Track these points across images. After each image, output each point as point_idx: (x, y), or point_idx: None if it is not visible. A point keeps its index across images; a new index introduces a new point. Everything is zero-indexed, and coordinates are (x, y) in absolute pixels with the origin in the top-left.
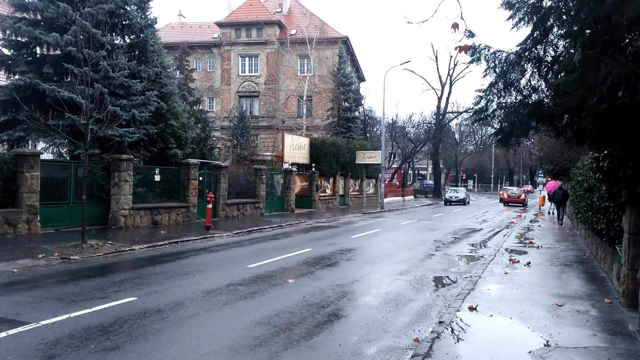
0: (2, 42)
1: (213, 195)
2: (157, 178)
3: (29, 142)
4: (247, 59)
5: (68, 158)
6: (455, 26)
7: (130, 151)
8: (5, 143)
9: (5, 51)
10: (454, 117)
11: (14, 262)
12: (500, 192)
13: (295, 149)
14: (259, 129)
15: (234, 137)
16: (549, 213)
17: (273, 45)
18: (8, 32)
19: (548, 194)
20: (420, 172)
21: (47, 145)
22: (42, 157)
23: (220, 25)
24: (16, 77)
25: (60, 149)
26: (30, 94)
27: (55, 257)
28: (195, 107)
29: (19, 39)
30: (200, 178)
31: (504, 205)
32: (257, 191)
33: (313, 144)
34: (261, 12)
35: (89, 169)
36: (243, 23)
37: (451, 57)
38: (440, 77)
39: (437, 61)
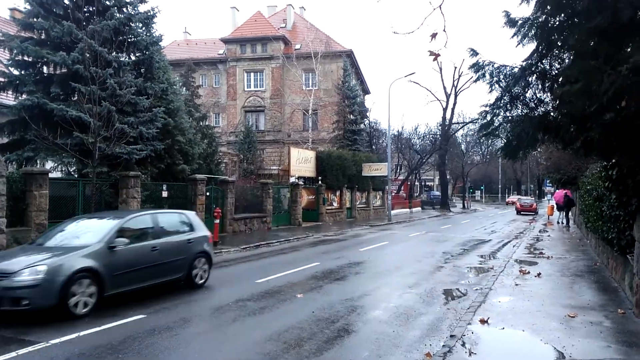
0: (10, 62)
1: (220, 211)
2: (165, 194)
3: (38, 161)
4: (252, 74)
5: (76, 176)
6: (433, 35)
7: (137, 168)
8: (14, 162)
9: (13, 71)
10: (460, 128)
11: None
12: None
13: (302, 162)
14: (265, 143)
15: (240, 151)
16: (558, 222)
17: (278, 60)
18: (15, 51)
19: (557, 204)
20: (427, 183)
21: (56, 164)
22: (51, 175)
23: (226, 41)
24: (24, 96)
25: (69, 167)
26: (38, 113)
27: None
28: (201, 123)
29: (26, 58)
30: (207, 193)
31: (517, 213)
32: (264, 205)
33: (319, 157)
34: (266, 28)
35: (97, 187)
36: (248, 39)
37: (455, 68)
38: (445, 88)
39: (441, 72)
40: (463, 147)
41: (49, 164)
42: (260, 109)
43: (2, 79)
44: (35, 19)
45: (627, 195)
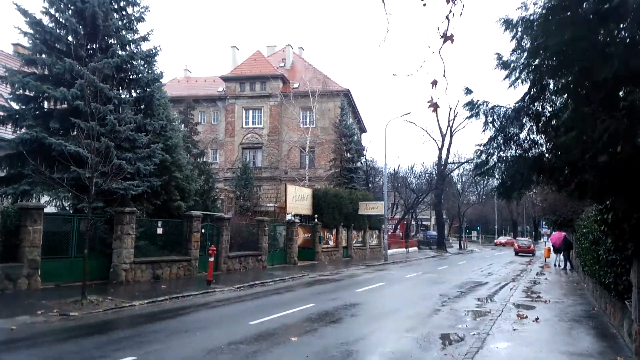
0: (11, 96)
1: (215, 248)
2: (160, 231)
3: (34, 195)
4: (250, 111)
5: (71, 211)
6: (434, 83)
7: (133, 204)
8: (10, 197)
9: (14, 105)
10: (456, 168)
11: (12, 319)
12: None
13: (298, 200)
14: (262, 180)
15: (237, 188)
16: (555, 265)
17: (276, 98)
18: (17, 86)
19: (553, 246)
20: (424, 222)
21: (51, 199)
22: (45, 210)
23: (225, 79)
24: (23, 130)
25: (64, 202)
26: (37, 148)
27: (55, 313)
28: (199, 159)
29: (27, 93)
30: (203, 230)
31: (515, 254)
32: (260, 243)
33: (316, 195)
34: (265, 67)
35: (92, 223)
36: (247, 77)
37: (450, 108)
38: (440, 128)
39: (436, 113)
40: (459, 186)
41: (45, 199)
42: (258, 146)
43: (2, 113)
44: (38, 55)
45: (623, 239)
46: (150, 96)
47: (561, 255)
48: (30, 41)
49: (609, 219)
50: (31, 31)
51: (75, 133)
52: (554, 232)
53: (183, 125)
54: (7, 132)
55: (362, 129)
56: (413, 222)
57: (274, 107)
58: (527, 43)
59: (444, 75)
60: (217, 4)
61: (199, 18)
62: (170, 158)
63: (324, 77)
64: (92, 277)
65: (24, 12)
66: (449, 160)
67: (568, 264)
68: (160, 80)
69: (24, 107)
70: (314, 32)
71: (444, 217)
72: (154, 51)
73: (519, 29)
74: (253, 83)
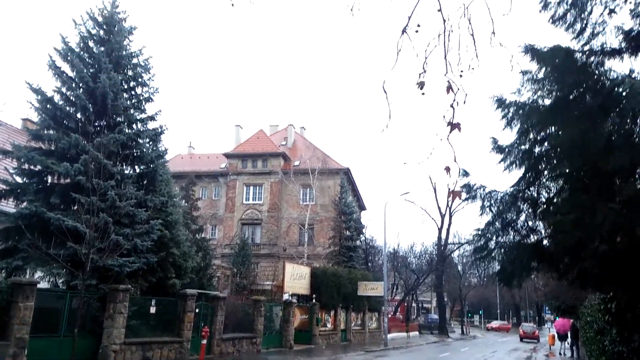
0: (15, 170)
1: (208, 330)
2: (153, 310)
3: (27, 270)
4: (251, 187)
5: (64, 287)
6: (447, 169)
7: (128, 281)
8: (2, 271)
9: (18, 179)
10: (456, 249)
11: None
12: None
13: (296, 278)
14: (260, 257)
15: (234, 265)
16: (560, 354)
17: (277, 175)
18: (22, 160)
19: (557, 333)
20: (424, 305)
21: (44, 275)
22: (38, 286)
23: (228, 156)
24: (24, 204)
25: (57, 279)
26: (35, 222)
27: None
28: (197, 236)
29: (32, 167)
30: (197, 310)
31: (520, 340)
32: (255, 324)
33: (314, 274)
34: (267, 145)
35: (85, 300)
36: (250, 154)
37: (449, 189)
38: (439, 208)
39: (435, 193)
40: (460, 268)
41: (38, 274)
42: (257, 222)
43: (4, 187)
44: (45, 131)
45: (628, 330)
46: (153, 172)
47: (566, 342)
48: (40, 116)
49: (613, 309)
50: (41, 107)
51: (75, 207)
52: (557, 319)
53: (184, 201)
54: (9, 206)
55: (362, 207)
56: (414, 304)
57: (275, 184)
58: (517, 124)
59: (455, 160)
60: (224, 84)
61: (206, 97)
62: (169, 234)
63: (323, 155)
64: (80, 357)
65: (36, 91)
66: (449, 241)
67: (575, 352)
68: (164, 157)
69: (27, 181)
70: (315, 112)
71: (445, 299)
72: (160, 130)
73: (511, 110)
74: (255, 160)
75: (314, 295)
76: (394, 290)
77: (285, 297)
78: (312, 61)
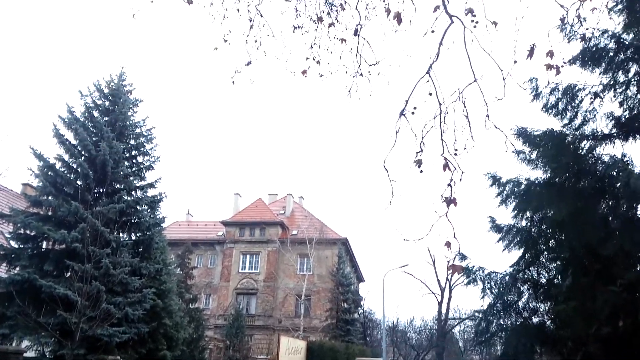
0: (11, 234)
1: None
2: None
3: (14, 339)
4: (248, 256)
5: (52, 357)
6: (448, 244)
7: (117, 351)
8: None
9: (13, 244)
10: (457, 324)
11: None
12: None
13: (291, 353)
14: (254, 328)
15: (227, 337)
16: None
17: (274, 244)
18: (19, 225)
19: None
20: None
21: (32, 344)
22: (25, 355)
23: (226, 224)
24: (17, 270)
25: (45, 348)
26: (27, 288)
27: None
28: (191, 305)
29: (28, 232)
30: None
31: None
32: None
33: (310, 348)
34: (265, 214)
35: None
36: (247, 223)
37: (448, 262)
38: (439, 281)
39: (434, 266)
40: (461, 344)
41: (25, 343)
42: (253, 292)
43: None
44: (45, 197)
45: None
46: (150, 240)
47: None
48: (40, 182)
49: None
50: (42, 173)
51: (69, 274)
52: None
53: (179, 269)
54: (1, 271)
55: (360, 279)
56: None
57: (272, 253)
58: (512, 202)
59: (455, 237)
60: (223, 153)
61: (205, 165)
62: (161, 303)
63: (321, 224)
64: None
65: (39, 157)
66: (450, 315)
67: None
68: (162, 225)
69: (22, 246)
70: (314, 182)
71: None
72: (159, 197)
73: (507, 188)
74: (253, 228)
75: None
76: None
77: None
78: (312, 134)
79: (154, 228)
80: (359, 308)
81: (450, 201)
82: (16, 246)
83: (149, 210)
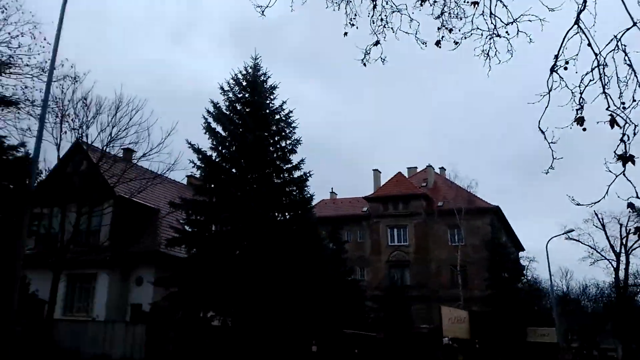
0: (185, 220)
1: None
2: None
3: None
4: (395, 229)
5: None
6: (631, 206)
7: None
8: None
9: (187, 228)
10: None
11: None
12: None
13: (454, 322)
14: (411, 299)
15: (385, 307)
16: None
17: (420, 217)
18: (190, 212)
19: None
20: (609, 353)
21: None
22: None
23: (369, 200)
24: (193, 250)
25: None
26: (203, 266)
27: None
28: (348, 278)
29: (198, 217)
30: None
31: None
32: None
33: (473, 318)
34: (407, 187)
35: None
36: (390, 197)
37: (621, 225)
38: (612, 247)
39: (604, 229)
40: None
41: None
42: (405, 264)
43: (177, 235)
44: (207, 185)
45: None
46: (302, 217)
47: None
48: (201, 173)
49: None
50: (203, 165)
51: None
52: None
53: (331, 244)
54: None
55: (519, 247)
56: (595, 352)
57: (419, 225)
58: None
59: (637, 197)
60: (360, 133)
61: (344, 146)
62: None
63: (468, 194)
64: None
65: (197, 151)
66: (630, 282)
67: None
68: (311, 203)
69: (194, 229)
70: (454, 153)
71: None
72: (304, 177)
73: None
74: (396, 203)
75: (476, 341)
76: (568, 337)
77: (445, 340)
78: (447, 104)
79: (304, 206)
80: (523, 277)
81: (627, 158)
82: (189, 230)
83: (296, 191)
